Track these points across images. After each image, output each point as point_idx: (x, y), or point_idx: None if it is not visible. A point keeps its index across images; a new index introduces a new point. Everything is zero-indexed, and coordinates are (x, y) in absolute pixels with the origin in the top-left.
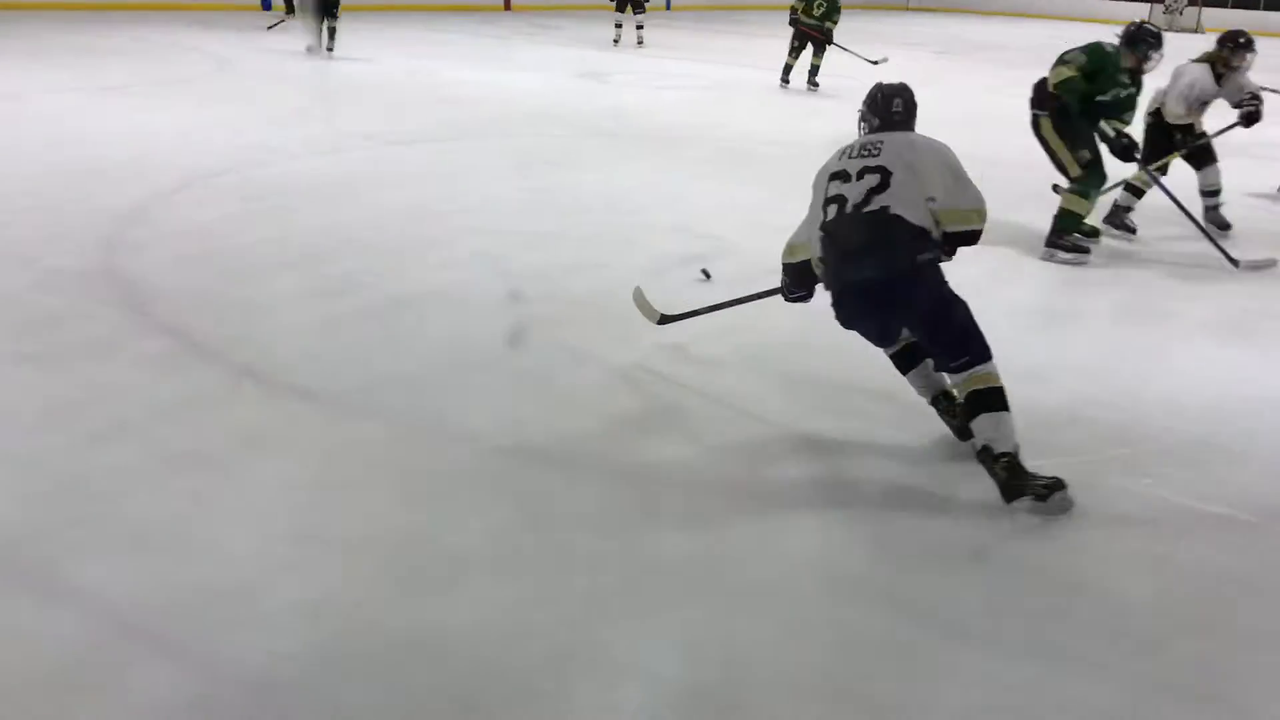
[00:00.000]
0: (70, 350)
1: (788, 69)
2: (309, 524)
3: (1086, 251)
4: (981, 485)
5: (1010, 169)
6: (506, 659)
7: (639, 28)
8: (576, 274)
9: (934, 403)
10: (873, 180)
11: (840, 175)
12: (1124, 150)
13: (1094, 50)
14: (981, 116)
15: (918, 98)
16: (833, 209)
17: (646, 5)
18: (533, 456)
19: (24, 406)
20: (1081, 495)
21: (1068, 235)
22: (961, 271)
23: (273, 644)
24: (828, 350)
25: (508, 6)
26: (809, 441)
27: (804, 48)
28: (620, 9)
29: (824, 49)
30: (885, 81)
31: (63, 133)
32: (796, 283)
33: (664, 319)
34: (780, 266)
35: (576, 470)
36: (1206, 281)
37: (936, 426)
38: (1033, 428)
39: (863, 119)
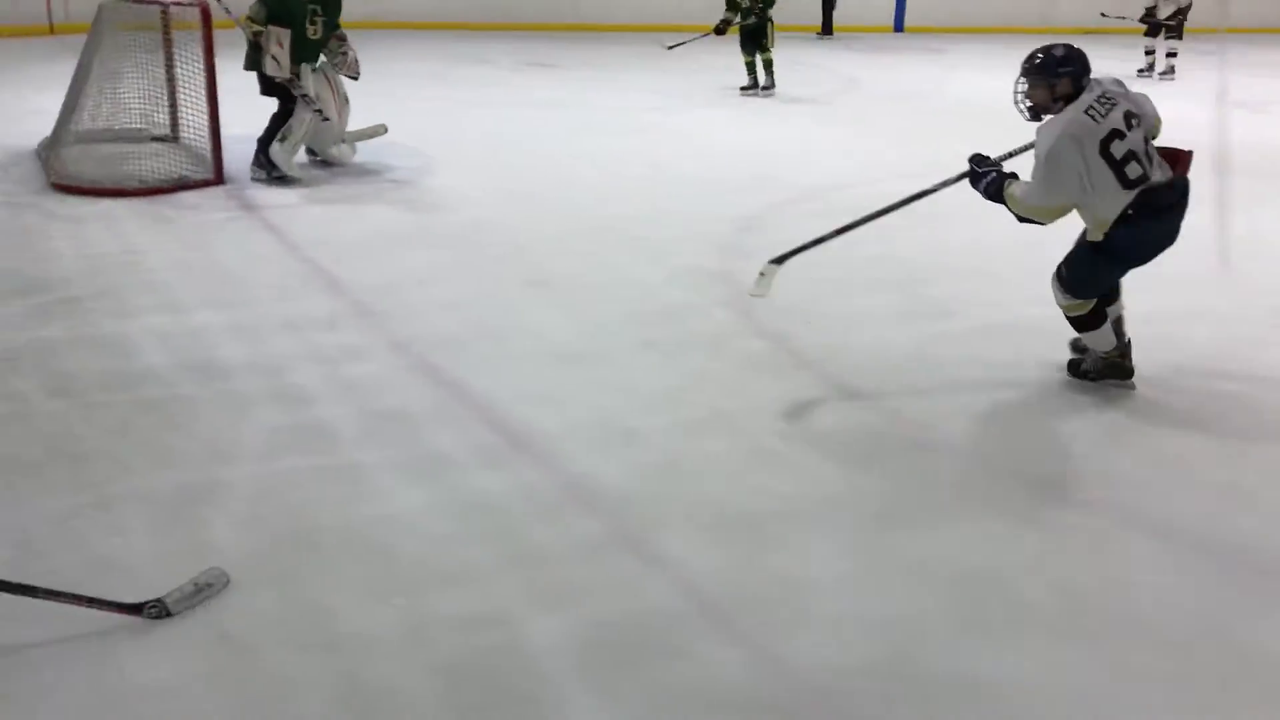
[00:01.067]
0: (686, 341)
1: None
2: (876, 543)
3: None
4: None
5: None
6: None
7: (1170, 55)
8: (1173, 322)
9: (1119, 323)
10: (1136, 124)
11: (1115, 135)
12: None
13: None
14: None
15: None
16: (1134, 165)
17: (1183, 32)
18: (1099, 512)
19: (644, 387)
20: None
21: None
22: None
23: (832, 654)
24: None
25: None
26: None
27: None
28: (1151, 34)
29: None
30: (1049, 44)
31: (696, 146)
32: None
33: (773, 260)
34: None
35: (1168, 537)
36: None
37: None
38: None
39: (1072, 76)
